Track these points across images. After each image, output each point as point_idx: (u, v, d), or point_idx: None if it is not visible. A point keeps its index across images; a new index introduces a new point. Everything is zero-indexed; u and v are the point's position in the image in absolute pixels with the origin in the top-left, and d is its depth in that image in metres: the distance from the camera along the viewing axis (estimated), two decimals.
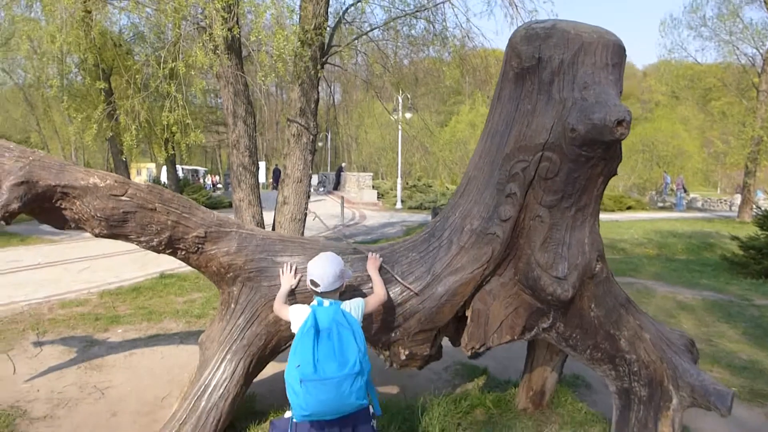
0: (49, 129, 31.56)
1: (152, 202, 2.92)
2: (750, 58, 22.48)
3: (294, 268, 3.02)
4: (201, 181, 37.76)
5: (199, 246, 3.06)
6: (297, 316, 2.52)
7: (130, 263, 9.76)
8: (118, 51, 17.27)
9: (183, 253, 3.08)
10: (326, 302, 2.53)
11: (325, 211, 21.21)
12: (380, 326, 3.05)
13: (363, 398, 2.28)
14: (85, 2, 8.39)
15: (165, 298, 7.05)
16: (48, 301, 6.71)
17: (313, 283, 2.56)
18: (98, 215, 2.81)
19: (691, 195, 32.79)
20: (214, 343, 3.22)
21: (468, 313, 3.09)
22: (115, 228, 2.88)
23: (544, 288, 2.82)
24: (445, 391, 4.05)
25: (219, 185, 39.08)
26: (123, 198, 2.85)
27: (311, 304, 2.57)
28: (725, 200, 31.34)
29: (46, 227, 14.58)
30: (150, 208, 2.90)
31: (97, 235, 2.90)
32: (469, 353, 3.11)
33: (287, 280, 2.94)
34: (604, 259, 3.01)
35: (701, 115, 32.52)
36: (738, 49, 22.66)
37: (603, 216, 18.53)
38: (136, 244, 3.01)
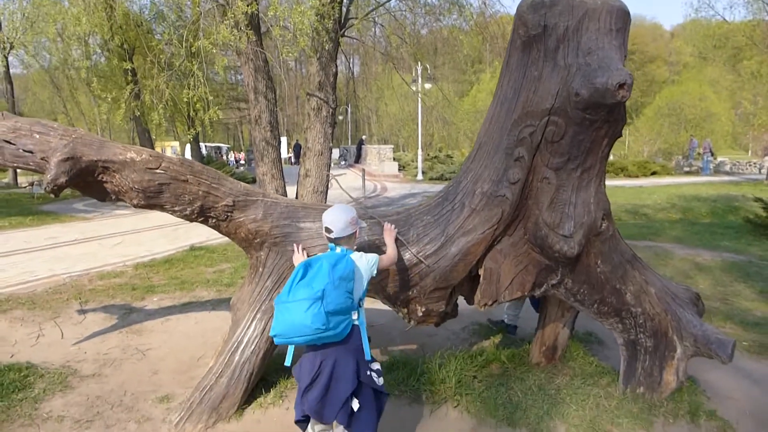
0: (75, 110, 32.19)
1: (184, 174, 3.15)
2: None
3: (302, 248, 3.13)
4: (224, 157, 38.24)
5: (228, 214, 3.29)
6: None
7: (160, 237, 10.17)
8: (139, 31, 17.48)
9: (213, 221, 3.32)
10: (338, 249, 2.67)
11: (346, 183, 21.42)
12: (398, 285, 3.27)
13: (319, 324, 2.32)
14: None
15: (195, 269, 7.40)
16: (87, 274, 7.12)
17: (326, 230, 2.68)
18: (136, 187, 3.06)
19: (719, 158, 32.07)
20: (244, 304, 3.48)
21: (480, 271, 3.28)
22: (151, 199, 3.12)
23: (552, 246, 2.99)
24: (462, 348, 4.28)
25: (242, 161, 39.57)
26: (158, 171, 3.08)
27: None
28: (755, 163, 30.58)
29: (78, 206, 15.15)
30: (182, 179, 3.14)
31: (135, 206, 3.15)
32: (482, 308, 3.31)
33: (297, 260, 3.01)
34: (610, 217, 3.15)
35: (731, 76, 31.53)
36: None
37: (626, 182, 18.43)
38: (171, 214, 3.26)
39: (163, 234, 10.56)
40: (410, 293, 3.30)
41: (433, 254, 3.21)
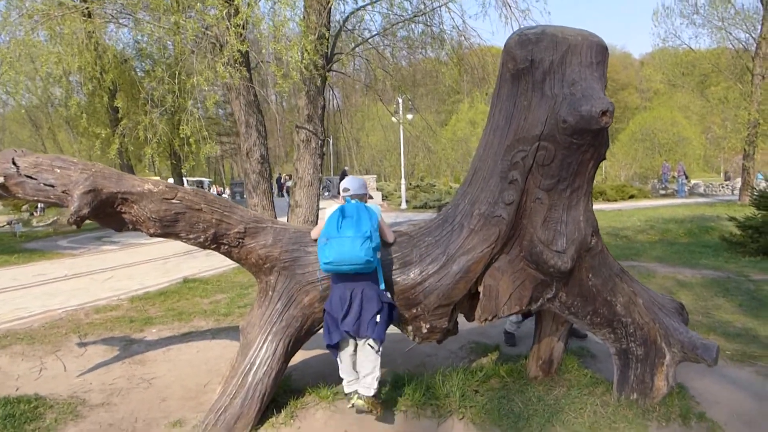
0: (55, 148, 32.12)
1: (198, 204, 3.33)
2: (743, 43, 22.82)
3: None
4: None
5: (240, 240, 3.46)
6: (327, 213, 3.40)
7: (152, 271, 10.19)
8: (123, 68, 17.68)
9: (226, 247, 3.48)
10: (353, 201, 3.41)
11: None
12: (404, 303, 3.45)
13: (370, 256, 3.10)
14: (86, 23, 8.81)
15: (191, 300, 7.46)
16: (82, 308, 7.13)
17: (344, 190, 3.50)
18: (153, 217, 3.22)
19: (693, 181, 33.06)
20: (255, 327, 3.62)
21: (480, 288, 3.47)
22: (167, 227, 3.29)
23: (547, 261, 3.21)
24: (462, 365, 4.45)
25: (225, 195, 39.62)
26: (174, 201, 3.26)
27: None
28: (727, 185, 31.60)
29: (63, 242, 15.07)
30: (197, 208, 3.31)
31: (152, 235, 3.31)
32: (483, 324, 3.49)
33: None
34: (598, 234, 3.39)
35: (700, 101, 32.73)
36: (731, 34, 22.99)
37: (606, 206, 18.95)
38: (185, 242, 3.42)
39: (153, 267, 10.58)
40: (415, 311, 3.48)
41: (435, 273, 3.41)
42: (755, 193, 11.01)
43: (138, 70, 22.44)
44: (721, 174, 38.66)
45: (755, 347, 4.94)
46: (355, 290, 3.23)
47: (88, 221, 3.24)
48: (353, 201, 3.41)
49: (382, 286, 3.34)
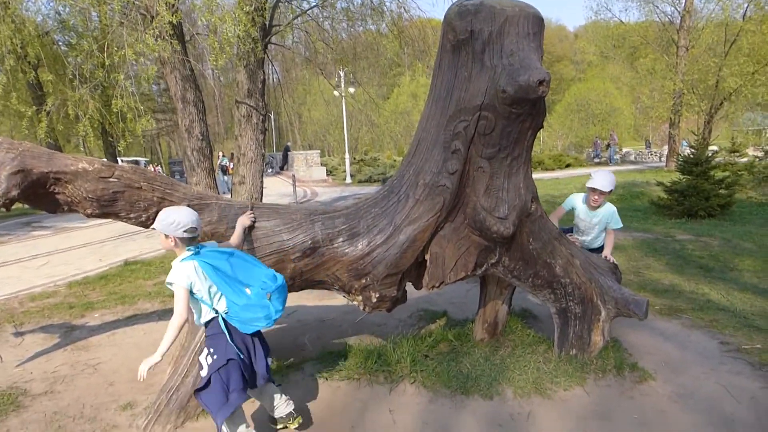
0: None
1: (138, 182, 3.22)
2: (669, 16, 23.85)
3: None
4: None
5: None
6: (187, 272, 2.77)
7: (89, 255, 9.78)
8: (44, 41, 16.58)
9: None
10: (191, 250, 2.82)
11: (276, 190, 21.36)
12: (353, 274, 3.50)
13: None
14: None
15: (134, 283, 7.25)
16: (16, 297, 6.79)
17: (188, 230, 2.78)
18: (90, 197, 3.10)
19: (624, 149, 34.64)
20: None
21: (427, 256, 3.57)
22: (106, 207, 3.17)
23: (490, 227, 3.33)
24: (411, 332, 4.57)
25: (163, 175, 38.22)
26: (111, 179, 3.14)
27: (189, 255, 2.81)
28: (655, 152, 33.32)
29: None
30: (136, 186, 3.21)
31: (89, 216, 3.19)
32: (430, 291, 3.60)
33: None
34: (537, 200, 3.54)
35: (630, 72, 34.05)
36: (658, 8, 23.98)
37: (544, 174, 19.57)
38: (126, 221, 3.31)
39: (91, 251, 10.15)
40: (364, 281, 3.53)
41: (383, 243, 3.46)
42: (680, 160, 11.68)
43: (61, 43, 21.08)
44: (644, 142, 40.71)
45: (681, 302, 5.32)
46: (255, 337, 2.99)
47: (18, 204, 3.09)
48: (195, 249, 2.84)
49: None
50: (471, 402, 3.49)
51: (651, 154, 33.12)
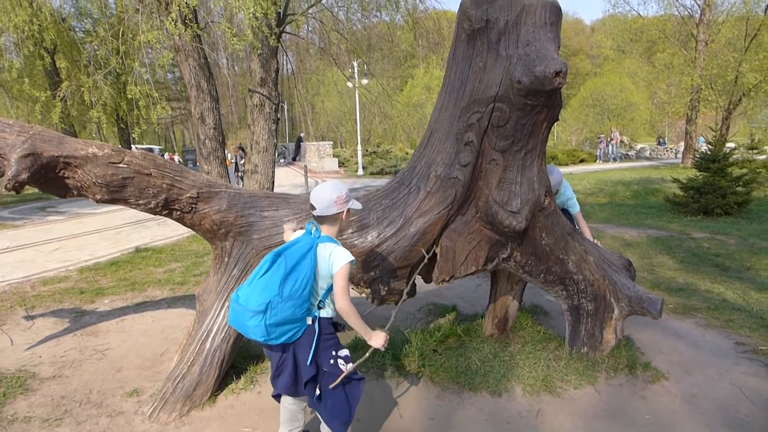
0: None
1: (147, 168, 3.20)
2: (688, 10, 23.42)
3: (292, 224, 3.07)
4: None
5: (193, 206, 3.36)
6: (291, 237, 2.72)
7: (102, 241, 9.85)
8: (61, 27, 16.67)
9: (178, 213, 3.38)
10: (313, 229, 2.56)
11: (288, 181, 21.39)
12: (362, 266, 3.45)
13: (263, 335, 2.38)
14: None
15: (144, 270, 7.28)
16: (28, 280, 6.85)
17: (311, 206, 2.58)
18: (99, 182, 3.08)
19: (639, 145, 34.19)
20: (211, 294, 3.56)
21: (437, 249, 3.52)
22: (115, 193, 3.15)
23: (502, 222, 3.26)
24: (420, 326, 4.53)
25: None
26: (120, 165, 3.12)
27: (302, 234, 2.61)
28: (671, 148, 32.88)
29: (3, 213, 14.34)
30: (146, 173, 3.19)
31: (98, 201, 3.17)
32: (440, 285, 3.55)
33: (287, 235, 2.91)
34: (551, 194, 3.47)
35: (647, 67, 33.56)
36: (677, 1, 23.54)
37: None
38: (135, 208, 3.29)
39: (103, 237, 10.22)
40: (373, 273, 3.49)
41: (393, 235, 3.42)
42: (697, 156, 11.48)
43: (77, 29, 21.20)
44: (656, 139, 40.04)
45: (696, 300, 5.23)
46: (286, 353, 2.55)
47: (30, 188, 3.08)
48: (313, 230, 2.56)
49: (309, 362, 2.50)
50: (479, 398, 3.44)
51: (666, 151, 32.68)
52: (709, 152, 11.10)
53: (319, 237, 2.55)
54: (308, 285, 2.45)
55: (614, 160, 28.90)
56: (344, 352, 2.63)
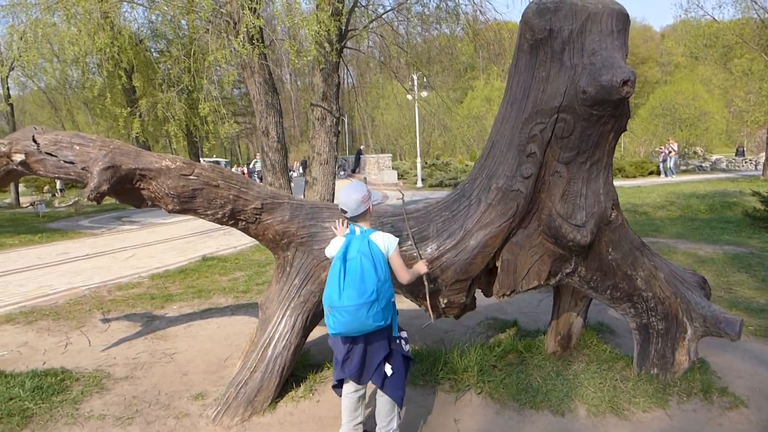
0: (74, 129, 32.44)
1: (215, 180, 3.34)
2: None
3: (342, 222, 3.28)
4: None
5: (257, 216, 3.47)
6: (334, 244, 2.97)
7: (170, 250, 10.33)
8: (138, 48, 17.71)
9: (243, 223, 3.50)
10: (357, 229, 2.88)
11: None
12: (420, 279, 3.44)
13: (380, 320, 2.67)
14: (100, 2, 8.79)
15: (210, 278, 7.56)
16: (105, 285, 7.28)
17: (342, 211, 2.91)
18: (171, 193, 3.24)
19: (715, 156, 32.36)
20: (273, 302, 3.65)
21: (498, 263, 3.45)
22: (185, 203, 3.31)
23: (565, 235, 3.17)
24: (480, 341, 4.45)
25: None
26: (191, 177, 3.27)
27: (346, 233, 2.94)
28: (750, 160, 30.94)
29: (84, 222, 15.33)
30: (214, 184, 3.32)
31: (170, 211, 3.33)
32: (501, 299, 3.48)
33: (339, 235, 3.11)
34: (618, 207, 3.34)
35: (723, 74, 31.85)
36: (756, 3, 22.21)
37: (625, 182, 18.66)
38: (203, 218, 3.44)
39: (172, 247, 10.72)
40: (432, 286, 3.46)
41: (452, 248, 3.39)
42: None
43: (153, 50, 22.50)
44: (735, 149, 37.41)
45: None
46: (358, 336, 2.77)
47: (108, 198, 3.28)
48: (356, 229, 2.87)
49: (395, 332, 2.89)
50: (540, 417, 3.33)
51: (745, 162, 30.75)
52: None
53: (364, 231, 2.88)
54: (387, 267, 2.82)
55: (670, 173, 25.49)
56: (404, 333, 2.98)
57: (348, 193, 2.91)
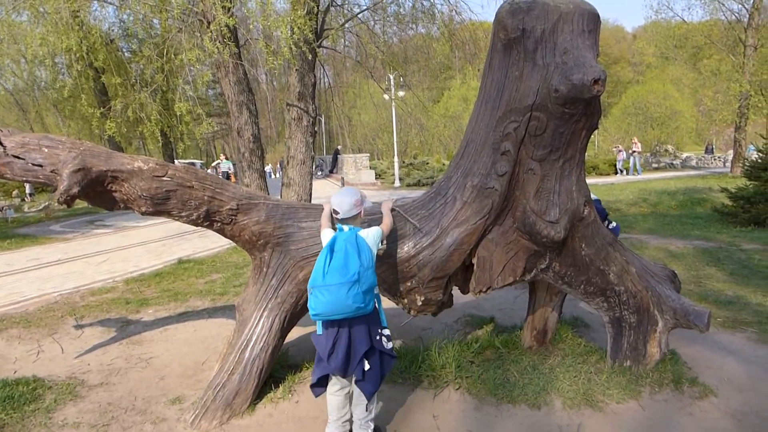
0: (42, 131, 31.72)
1: (190, 181, 3.30)
2: (736, 14, 22.68)
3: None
4: None
5: (233, 217, 3.45)
6: (324, 237, 3.09)
7: (146, 253, 10.17)
8: (109, 48, 17.37)
9: (218, 224, 3.47)
10: (345, 228, 2.99)
11: (325, 193, 21.58)
12: (399, 276, 3.46)
13: (359, 302, 2.72)
14: (69, 1, 8.60)
15: (186, 281, 7.47)
16: (78, 291, 7.12)
17: (334, 211, 3.06)
18: (144, 195, 3.20)
19: (685, 154, 33.09)
20: (250, 304, 3.63)
21: (474, 260, 3.49)
22: (159, 205, 3.26)
23: (540, 232, 3.22)
24: (457, 337, 4.49)
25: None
26: (164, 178, 3.23)
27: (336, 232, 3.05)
28: (719, 157, 31.72)
29: (55, 227, 14.99)
30: (188, 185, 3.29)
31: (143, 213, 3.29)
32: (477, 296, 3.52)
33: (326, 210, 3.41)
34: (591, 203, 3.40)
35: (692, 74, 32.58)
36: (724, 5, 22.83)
37: (598, 179, 18.97)
38: (177, 219, 3.40)
39: (147, 250, 10.55)
40: (410, 284, 3.49)
41: (429, 246, 3.41)
42: (747, 165, 11.06)
43: (125, 50, 22.10)
44: (704, 147, 38.22)
45: (746, 314, 5.01)
46: (342, 329, 2.85)
47: (79, 202, 3.22)
48: (345, 228, 2.99)
49: (384, 322, 3.02)
50: (518, 411, 3.38)
51: (714, 159, 31.52)
52: (760, 160, 10.67)
53: (352, 228, 3.00)
54: (373, 257, 2.91)
55: (632, 172, 25.51)
56: (387, 331, 3.04)
57: (343, 195, 3.09)
